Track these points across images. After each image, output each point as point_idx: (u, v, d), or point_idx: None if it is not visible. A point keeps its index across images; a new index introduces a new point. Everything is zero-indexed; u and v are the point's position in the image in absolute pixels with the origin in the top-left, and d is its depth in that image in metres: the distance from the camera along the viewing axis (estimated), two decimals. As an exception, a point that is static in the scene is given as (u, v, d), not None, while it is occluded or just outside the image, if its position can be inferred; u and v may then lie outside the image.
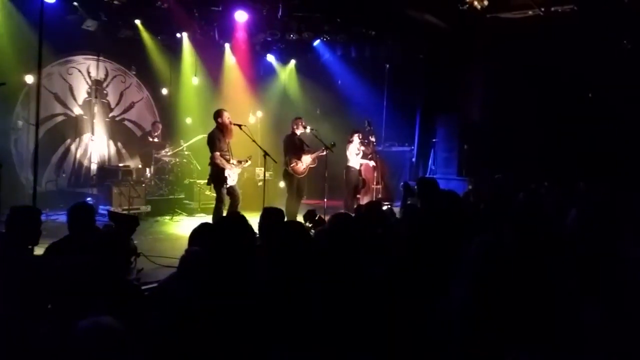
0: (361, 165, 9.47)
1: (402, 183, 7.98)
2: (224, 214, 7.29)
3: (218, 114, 7.53)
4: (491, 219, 3.71)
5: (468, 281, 2.54)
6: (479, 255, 2.62)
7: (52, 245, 3.83)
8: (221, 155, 7.34)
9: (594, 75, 9.08)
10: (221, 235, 3.16)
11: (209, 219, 8.70)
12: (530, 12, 9.57)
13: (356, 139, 9.33)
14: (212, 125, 7.64)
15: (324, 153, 8.41)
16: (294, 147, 8.40)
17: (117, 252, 3.00)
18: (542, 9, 9.34)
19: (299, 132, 8.47)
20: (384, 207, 6.32)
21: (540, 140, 9.70)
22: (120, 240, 3.18)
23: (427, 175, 10.96)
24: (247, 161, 7.85)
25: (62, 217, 8.55)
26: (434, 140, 11.45)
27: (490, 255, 2.61)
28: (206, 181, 8.04)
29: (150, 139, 10.79)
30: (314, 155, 8.49)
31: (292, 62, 13.30)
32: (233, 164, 7.50)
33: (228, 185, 7.43)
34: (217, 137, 7.38)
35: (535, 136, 9.73)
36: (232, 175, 7.50)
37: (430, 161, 11.58)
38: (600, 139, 8.96)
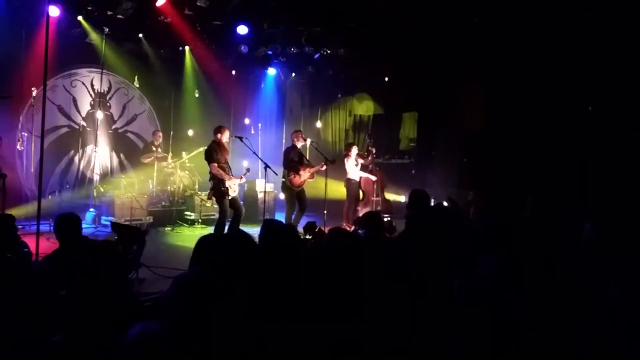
0: (361, 177, 9.53)
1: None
2: (238, 225, 7.41)
3: (218, 130, 7.75)
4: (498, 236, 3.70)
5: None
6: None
7: (46, 258, 3.89)
8: (219, 167, 7.44)
9: (595, 88, 9.15)
10: (223, 253, 3.20)
11: (209, 230, 8.78)
12: (530, 25, 9.64)
13: (354, 152, 9.39)
14: (212, 138, 7.79)
15: (324, 168, 8.48)
16: (293, 159, 8.48)
17: (113, 263, 3.04)
18: (541, 21, 9.41)
19: (299, 144, 8.56)
20: (384, 219, 6.40)
21: (540, 153, 9.73)
22: (115, 252, 3.22)
23: (424, 188, 11.01)
24: (245, 174, 7.96)
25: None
26: (433, 153, 11.52)
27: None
28: (207, 194, 8.16)
29: (154, 149, 10.86)
30: (313, 170, 8.55)
31: (293, 75, 13.42)
32: (232, 175, 7.61)
33: (230, 197, 7.52)
34: (215, 149, 7.56)
35: (536, 148, 9.77)
36: (233, 187, 7.60)
37: (430, 173, 11.64)
38: (602, 152, 8.99)
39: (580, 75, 9.21)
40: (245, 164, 8.71)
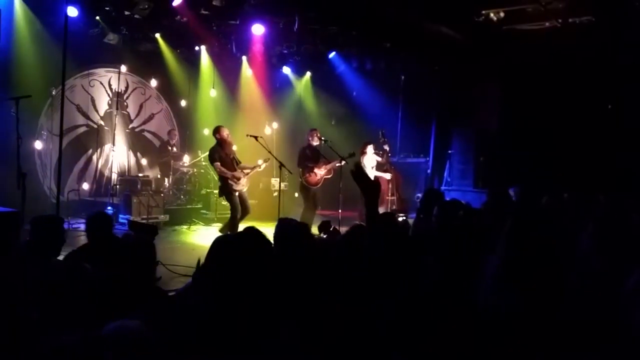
0: (375, 177, 9.50)
1: None
2: (239, 223, 7.56)
3: (216, 130, 7.98)
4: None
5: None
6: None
7: (70, 254, 3.95)
8: (222, 165, 7.66)
9: (613, 87, 9.05)
10: (237, 253, 3.22)
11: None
12: (547, 24, 9.56)
13: (370, 150, 9.35)
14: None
15: (340, 164, 8.50)
16: (309, 158, 8.50)
17: (146, 260, 3.10)
18: (559, 20, 9.33)
19: (314, 143, 8.58)
20: (399, 219, 6.37)
21: (558, 153, 9.64)
22: (149, 249, 3.29)
23: (443, 187, 10.97)
24: (254, 168, 8.20)
25: (83, 226, 8.75)
26: (449, 151, 11.44)
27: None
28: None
29: (170, 148, 10.96)
30: (328, 167, 8.58)
31: (308, 74, 13.45)
32: (242, 171, 7.82)
33: (237, 191, 7.72)
34: (216, 150, 7.80)
35: (553, 148, 9.68)
36: (237, 182, 7.75)
37: (446, 173, 11.57)
38: (620, 151, 8.89)
39: (599, 73, 9.12)
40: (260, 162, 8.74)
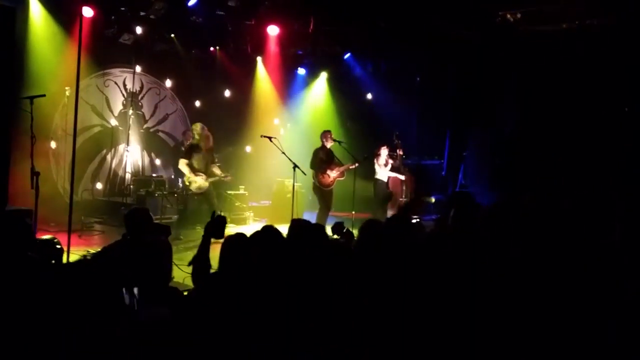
0: (389, 178, 9.44)
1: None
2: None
3: (194, 128, 8.40)
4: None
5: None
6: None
7: (104, 249, 3.99)
8: (188, 165, 7.97)
9: (631, 89, 8.89)
10: (251, 252, 3.19)
11: (239, 229, 8.81)
12: (564, 25, 9.44)
13: (383, 152, 9.35)
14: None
15: (354, 166, 8.46)
16: (323, 160, 8.46)
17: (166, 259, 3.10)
18: (577, 22, 9.20)
19: (328, 145, 8.54)
20: (413, 221, 6.29)
21: (575, 155, 9.50)
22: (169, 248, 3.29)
23: (453, 190, 10.88)
24: (225, 176, 8.59)
25: (96, 225, 8.79)
26: (464, 153, 11.34)
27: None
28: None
29: (184, 148, 10.94)
30: (342, 169, 8.54)
31: (323, 75, 13.39)
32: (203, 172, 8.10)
33: (191, 192, 8.05)
34: (193, 148, 8.15)
35: (570, 150, 9.54)
36: (197, 182, 7.98)
37: (461, 175, 11.46)
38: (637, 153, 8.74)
39: (615, 76, 8.97)
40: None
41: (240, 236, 3.56)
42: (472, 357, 2.42)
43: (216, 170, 8.40)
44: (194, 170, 8.03)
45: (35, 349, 1.79)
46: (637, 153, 8.75)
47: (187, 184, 8.11)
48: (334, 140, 8.61)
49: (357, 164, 8.45)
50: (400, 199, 9.66)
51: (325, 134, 8.61)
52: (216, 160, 9.13)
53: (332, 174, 8.46)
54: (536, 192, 8.78)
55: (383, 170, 9.34)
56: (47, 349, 1.79)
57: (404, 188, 9.70)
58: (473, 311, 2.60)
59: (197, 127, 8.30)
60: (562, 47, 9.57)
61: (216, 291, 2.92)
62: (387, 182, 9.43)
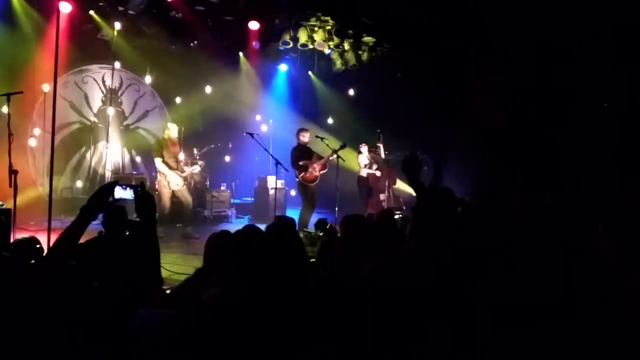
0: (368, 174, 9.55)
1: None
2: None
3: (166, 127, 8.51)
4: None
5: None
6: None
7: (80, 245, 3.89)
8: (163, 162, 8.09)
9: (610, 84, 9.00)
10: (234, 250, 3.18)
11: (221, 227, 8.78)
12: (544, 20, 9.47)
13: (364, 149, 9.55)
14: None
15: (333, 157, 8.47)
16: (302, 156, 8.46)
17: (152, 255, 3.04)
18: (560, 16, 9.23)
19: (305, 140, 8.56)
20: (396, 216, 6.31)
21: (557, 150, 9.58)
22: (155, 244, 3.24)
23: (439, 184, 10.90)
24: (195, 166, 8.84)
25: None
26: (447, 148, 11.38)
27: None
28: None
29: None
30: (323, 161, 8.54)
31: (306, 71, 13.34)
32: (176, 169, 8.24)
33: (171, 190, 8.20)
34: (163, 146, 8.21)
35: (553, 146, 9.62)
36: (174, 180, 8.18)
37: (444, 169, 11.47)
38: (620, 149, 8.84)
39: (595, 71, 9.06)
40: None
41: (224, 234, 3.54)
42: (472, 357, 2.42)
43: (186, 167, 8.58)
44: (170, 168, 8.10)
45: (7, 350, 1.75)
46: (616, 148, 8.87)
47: (166, 182, 8.17)
48: (316, 137, 8.65)
49: (334, 154, 8.44)
50: (381, 194, 9.70)
51: (301, 132, 8.64)
52: (197, 157, 9.09)
53: (315, 168, 8.45)
54: (519, 187, 8.84)
55: (364, 168, 9.48)
56: (20, 349, 1.75)
57: (387, 183, 9.74)
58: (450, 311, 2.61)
59: (172, 127, 8.44)
60: (544, 41, 9.62)
61: (201, 290, 2.89)
62: (367, 178, 9.52)
